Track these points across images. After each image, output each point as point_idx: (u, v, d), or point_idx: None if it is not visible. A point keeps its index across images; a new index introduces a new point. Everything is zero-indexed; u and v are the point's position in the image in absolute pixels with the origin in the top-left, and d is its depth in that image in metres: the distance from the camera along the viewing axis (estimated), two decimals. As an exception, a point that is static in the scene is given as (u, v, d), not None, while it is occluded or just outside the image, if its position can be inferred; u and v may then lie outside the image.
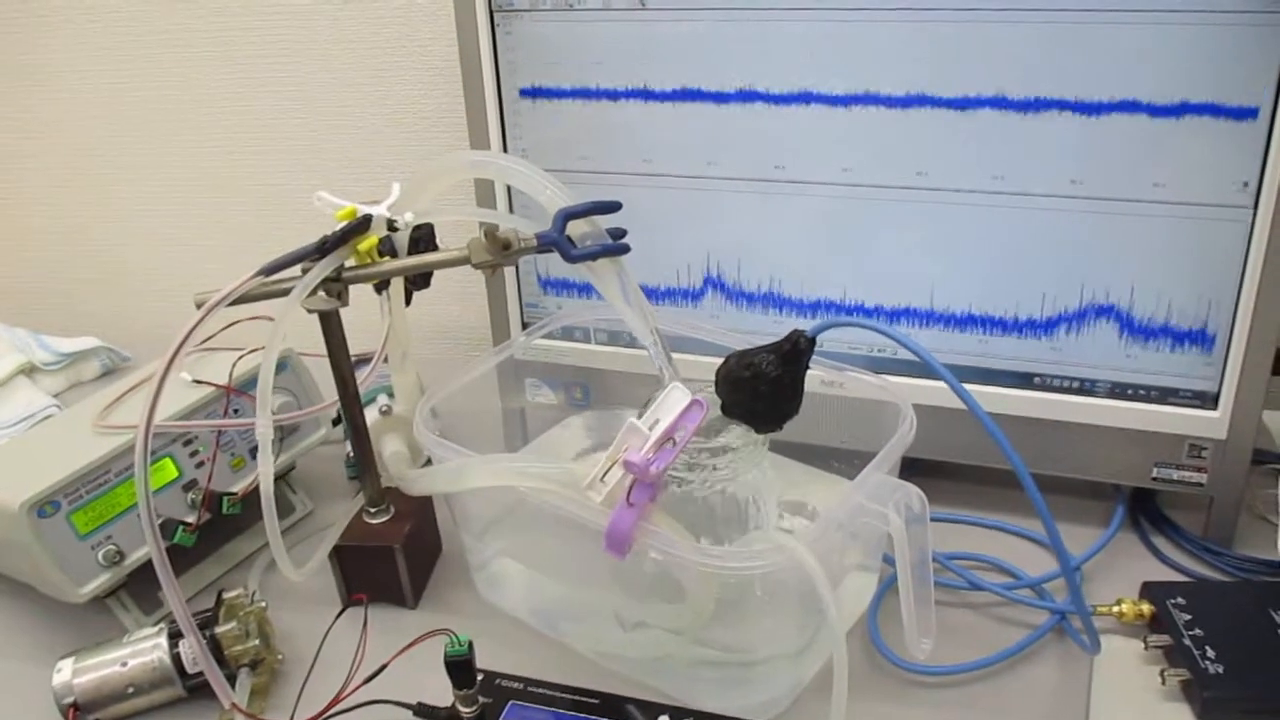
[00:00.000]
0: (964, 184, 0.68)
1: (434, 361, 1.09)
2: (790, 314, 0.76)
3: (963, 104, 0.66)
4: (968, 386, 0.72)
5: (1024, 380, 0.72)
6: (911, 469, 0.65)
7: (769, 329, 0.77)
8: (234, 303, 0.60)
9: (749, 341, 0.68)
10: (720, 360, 0.74)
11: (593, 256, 0.62)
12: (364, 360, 0.90)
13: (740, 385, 0.59)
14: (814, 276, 0.74)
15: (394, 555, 0.70)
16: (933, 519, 0.56)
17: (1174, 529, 0.74)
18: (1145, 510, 0.76)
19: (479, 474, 0.61)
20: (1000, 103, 0.65)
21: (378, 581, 0.71)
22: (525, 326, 0.85)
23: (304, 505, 0.84)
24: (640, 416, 0.64)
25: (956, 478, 0.79)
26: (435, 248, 0.70)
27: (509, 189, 0.79)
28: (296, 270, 0.61)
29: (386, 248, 0.66)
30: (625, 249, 0.63)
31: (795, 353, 0.57)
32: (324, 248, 0.60)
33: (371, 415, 0.82)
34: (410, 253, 0.68)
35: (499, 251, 0.61)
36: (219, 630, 0.63)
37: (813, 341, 0.57)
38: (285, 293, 0.61)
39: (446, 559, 0.77)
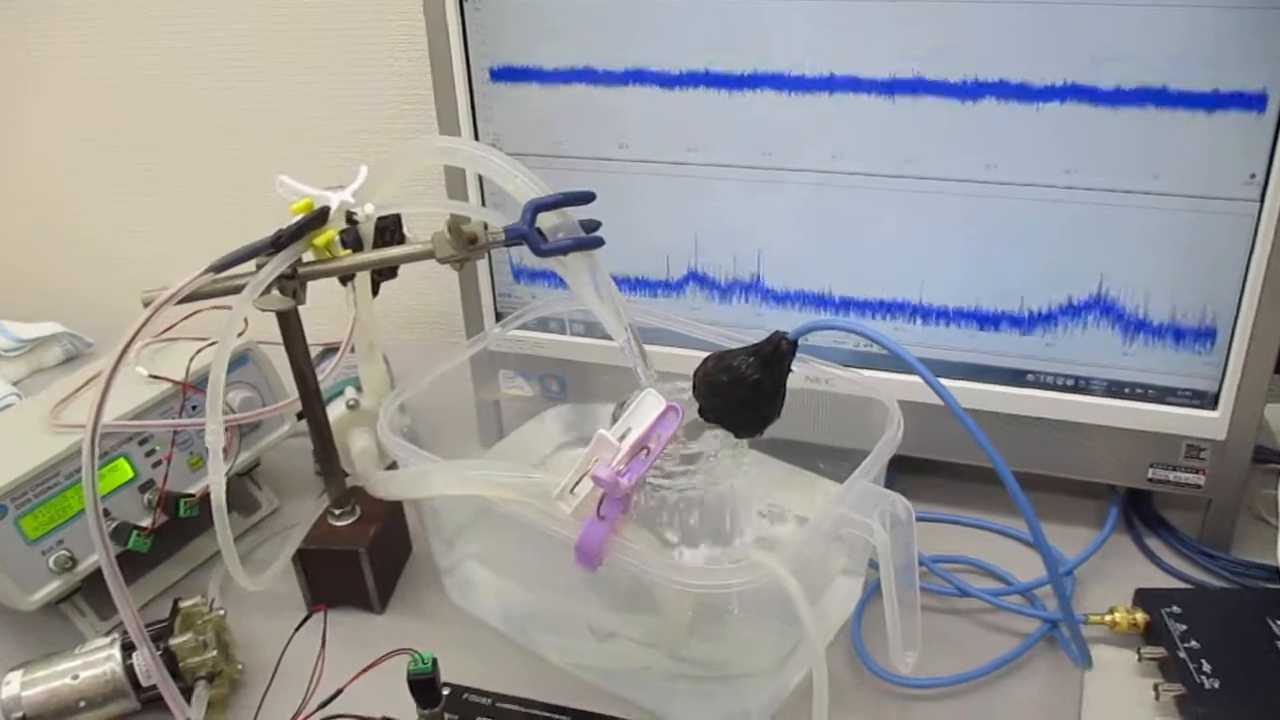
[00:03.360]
0: (955, 172, 0.65)
1: (406, 348, 1.06)
2: (774, 307, 0.73)
3: (956, 90, 0.62)
4: (958, 383, 0.70)
5: (1016, 377, 0.69)
6: (898, 465, 0.62)
7: (751, 322, 0.74)
8: (186, 300, 0.57)
9: (730, 337, 0.66)
10: (700, 355, 0.71)
11: (564, 251, 0.59)
12: (331, 350, 0.87)
13: (718, 389, 0.56)
14: (800, 269, 0.71)
15: (359, 560, 0.67)
16: (919, 519, 0.54)
17: (1169, 531, 0.71)
18: (1139, 511, 0.73)
19: (444, 481, 0.58)
20: (995, 89, 0.62)
21: (343, 586, 0.69)
22: (499, 317, 0.82)
23: (270, 502, 0.81)
24: (612, 423, 0.61)
25: (943, 474, 0.76)
26: (401, 239, 0.67)
27: (480, 177, 0.76)
28: (251, 265, 0.58)
29: (350, 239, 0.62)
30: (598, 242, 0.60)
31: (776, 356, 0.54)
32: (279, 242, 0.57)
33: (338, 409, 0.79)
34: (376, 244, 0.65)
35: (464, 246, 0.58)
36: (174, 642, 0.60)
37: (795, 344, 0.54)
38: (239, 289, 0.57)
39: (416, 560, 0.75)
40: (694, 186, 0.71)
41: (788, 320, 0.73)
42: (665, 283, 0.75)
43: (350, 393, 0.79)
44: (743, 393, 0.55)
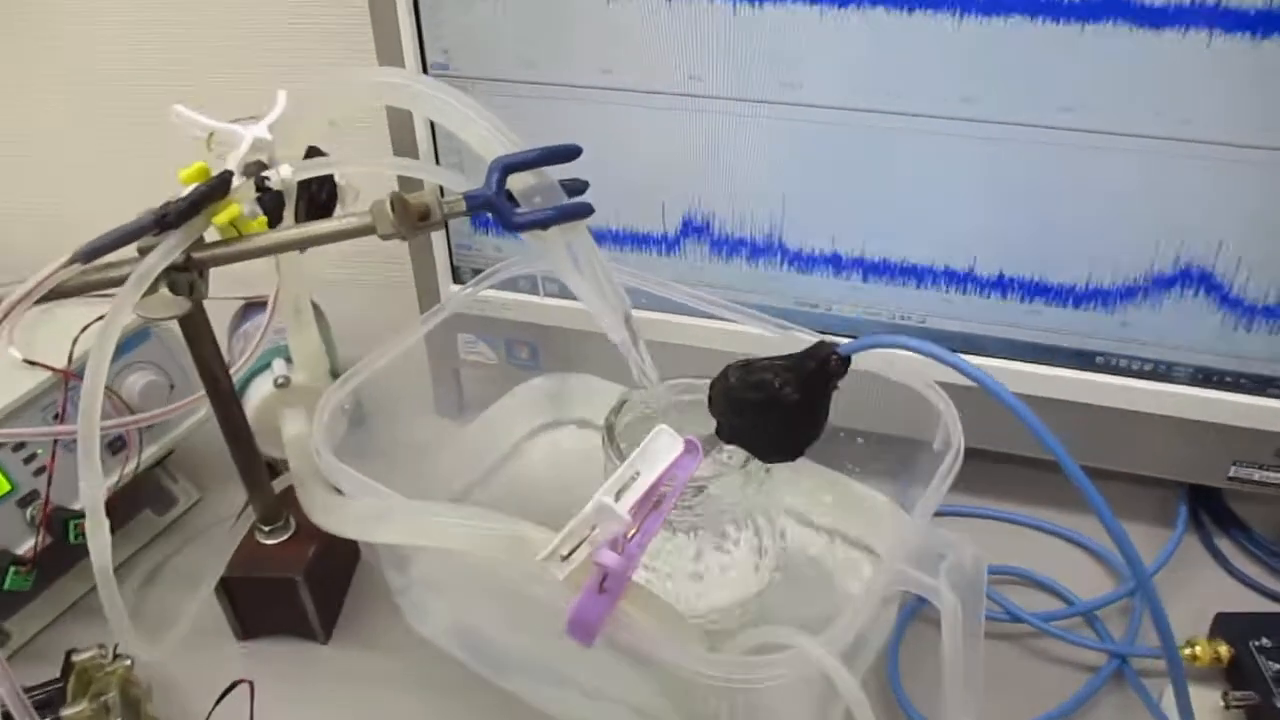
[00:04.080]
0: (1022, 115, 0.52)
1: (347, 292, 0.92)
2: (793, 270, 0.60)
3: (1026, 6, 0.49)
4: (1014, 365, 0.59)
5: (1084, 360, 0.58)
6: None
7: (764, 287, 0.61)
8: (49, 298, 0.43)
9: (738, 308, 0.54)
10: (698, 325, 0.59)
11: (544, 224, 0.46)
12: (255, 305, 0.73)
13: (745, 408, 0.44)
14: (824, 225, 0.58)
15: (296, 589, 0.56)
16: (953, 513, 0.43)
17: (1242, 531, 0.62)
18: (1208, 507, 0.63)
19: (403, 527, 0.46)
20: (1072, 10, 0.48)
21: (279, 616, 0.57)
22: (456, 272, 0.68)
23: (188, 495, 0.68)
24: (608, 446, 0.49)
25: (980, 457, 0.66)
26: (333, 197, 0.53)
27: (432, 124, 0.61)
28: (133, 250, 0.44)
29: (271, 205, 0.48)
30: (586, 211, 0.47)
31: (822, 374, 0.42)
32: (164, 220, 0.43)
33: (264, 388, 0.66)
34: (308, 210, 0.51)
35: (412, 222, 0.44)
36: (67, 715, 0.48)
37: (847, 361, 0.42)
38: (119, 282, 0.43)
39: (367, 574, 0.63)
40: (696, 124, 0.57)
41: (810, 287, 0.60)
42: (659, 237, 0.62)
43: (279, 366, 0.66)
44: (777, 415, 0.44)
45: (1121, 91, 0.49)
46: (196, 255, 0.44)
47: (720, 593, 0.51)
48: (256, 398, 0.66)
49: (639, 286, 0.57)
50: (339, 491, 0.50)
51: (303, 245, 0.47)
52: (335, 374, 0.68)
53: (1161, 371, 0.57)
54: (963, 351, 0.59)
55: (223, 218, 0.44)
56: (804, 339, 0.52)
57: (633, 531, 0.39)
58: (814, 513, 0.59)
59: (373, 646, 0.59)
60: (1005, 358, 0.59)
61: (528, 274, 0.64)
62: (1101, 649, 0.54)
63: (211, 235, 0.45)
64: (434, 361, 0.71)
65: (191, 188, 0.43)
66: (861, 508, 0.58)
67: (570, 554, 0.40)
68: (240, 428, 0.54)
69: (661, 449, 0.41)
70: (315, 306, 0.74)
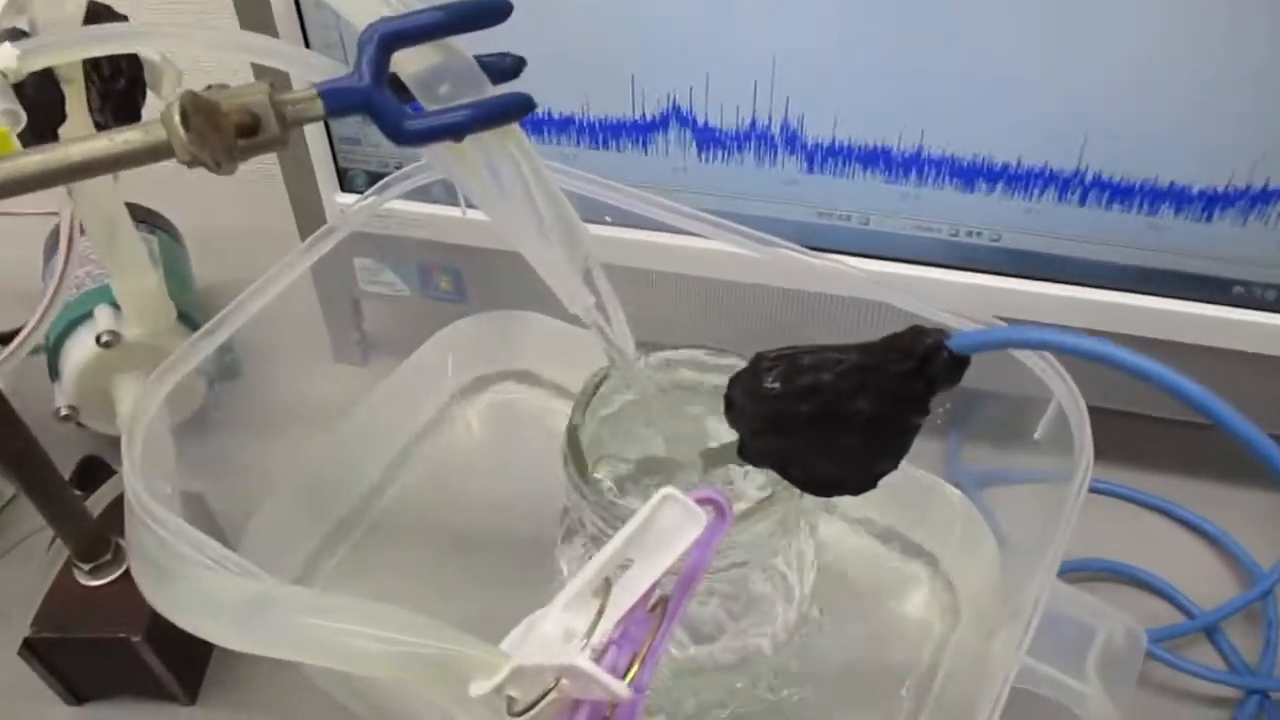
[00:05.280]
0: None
1: (204, 190, 0.73)
2: (816, 173, 0.43)
3: None
4: (1120, 298, 0.43)
5: (1219, 290, 0.42)
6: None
7: (774, 195, 0.44)
8: None
9: (744, 231, 0.37)
10: (685, 245, 0.42)
11: (456, 130, 0.28)
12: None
13: (788, 424, 0.28)
14: (856, 102, 0.41)
15: (134, 651, 0.40)
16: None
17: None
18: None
19: (287, 636, 0.29)
20: None
21: (122, 677, 0.41)
22: (342, 177, 0.50)
23: (-1, 491, 0.51)
24: (575, 518, 0.33)
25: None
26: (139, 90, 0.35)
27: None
28: None
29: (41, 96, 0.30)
30: (523, 106, 0.29)
31: (923, 380, 0.26)
32: None
33: (85, 347, 0.48)
34: (103, 105, 0.34)
35: (227, 141, 0.26)
36: None
37: (962, 364, 0.26)
38: None
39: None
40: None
41: (839, 193, 0.43)
42: (631, 125, 0.44)
43: (102, 316, 0.48)
44: (841, 436, 0.28)
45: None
46: None
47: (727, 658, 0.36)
48: (76, 360, 0.48)
49: (596, 195, 0.40)
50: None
51: (68, 177, 0.29)
52: (190, 321, 0.51)
53: (1326, 306, 0.41)
54: (1045, 278, 0.43)
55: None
56: (846, 272, 0.36)
57: (629, 673, 0.24)
58: (853, 504, 0.44)
59: (253, 705, 0.43)
60: (1103, 286, 0.43)
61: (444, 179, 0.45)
62: (1237, 684, 0.41)
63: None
64: (324, 294, 0.54)
65: None
66: (918, 500, 0.43)
67: (528, 711, 0.24)
68: (14, 437, 0.36)
69: (670, 527, 0.24)
70: (155, 227, 0.56)
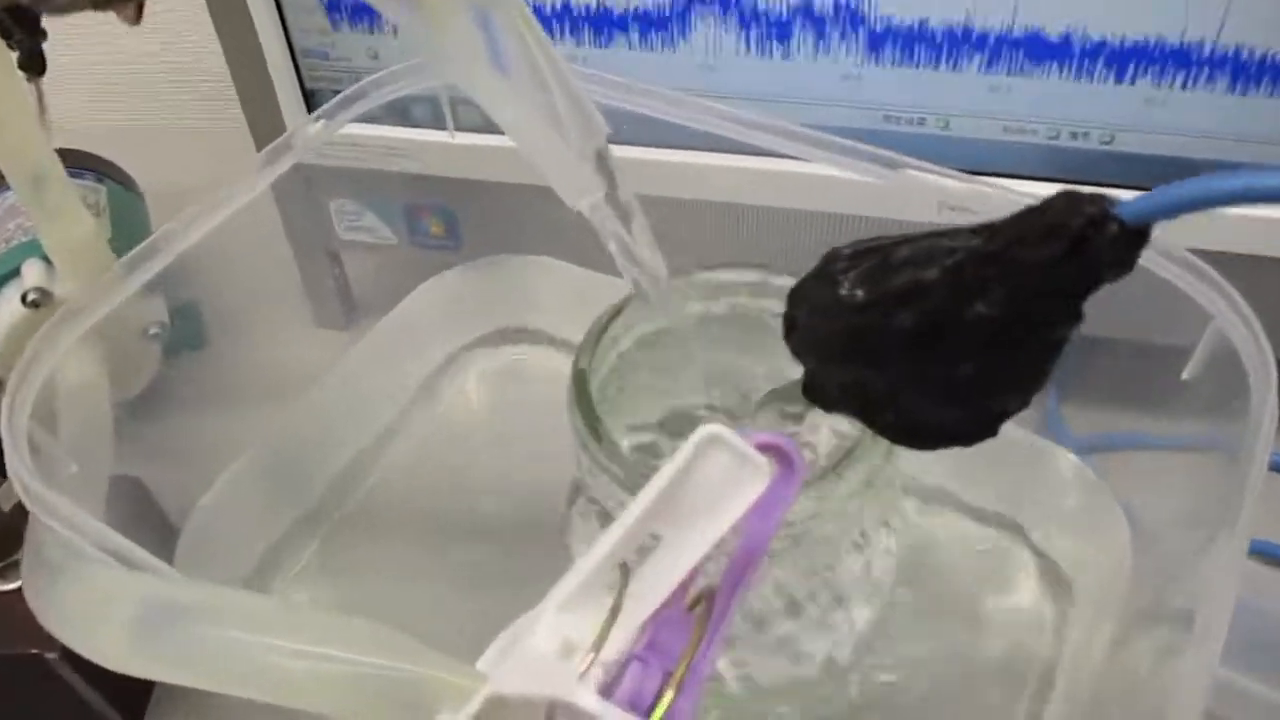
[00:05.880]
0: None
1: (150, 132, 0.66)
2: (878, 62, 0.35)
3: None
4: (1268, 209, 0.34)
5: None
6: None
7: (828, 96, 0.36)
8: None
9: (794, 133, 0.29)
10: (720, 163, 0.35)
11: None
12: None
13: (879, 347, 0.20)
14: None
15: (52, 670, 0.32)
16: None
17: None
18: None
19: (196, 651, 0.21)
20: None
21: (39, 704, 0.34)
22: (310, 99, 0.42)
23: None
24: (584, 494, 0.26)
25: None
26: None
27: None
28: None
29: None
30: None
31: (1079, 269, 0.18)
32: None
33: (10, 308, 0.41)
34: None
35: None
36: None
37: (1138, 239, 0.18)
38: None
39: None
40: None
41: (911, 90, 0.35)
42: (646, 14, 0.36)
43: (30, 273, 0.41)
44: (959, 363, 0.19)
45: None
46: None
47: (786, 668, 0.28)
48: (1, 323, 0.41)
49: (617, 103, 0.31)
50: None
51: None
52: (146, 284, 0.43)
53: None
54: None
55: None
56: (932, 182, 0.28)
57: (659, 705, 0.16)
58: (931, 473, 0.36)
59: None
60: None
61: (425, 93, 0.38)
62: None
63: None
64: (299, 245, 0.46)
65: None
66: (1017, 465, 0.34)
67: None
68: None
69: (715, 486, 0.16)
70: (104, 175, 0.48)
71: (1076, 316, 0.19)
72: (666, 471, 0.16)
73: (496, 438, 0.41)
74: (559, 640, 0.17)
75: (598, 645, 0.16)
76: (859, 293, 0.20)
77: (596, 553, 0.16)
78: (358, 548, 0.38)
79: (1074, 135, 0.35)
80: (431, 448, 0.40)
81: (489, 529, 0.38)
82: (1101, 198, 0.18)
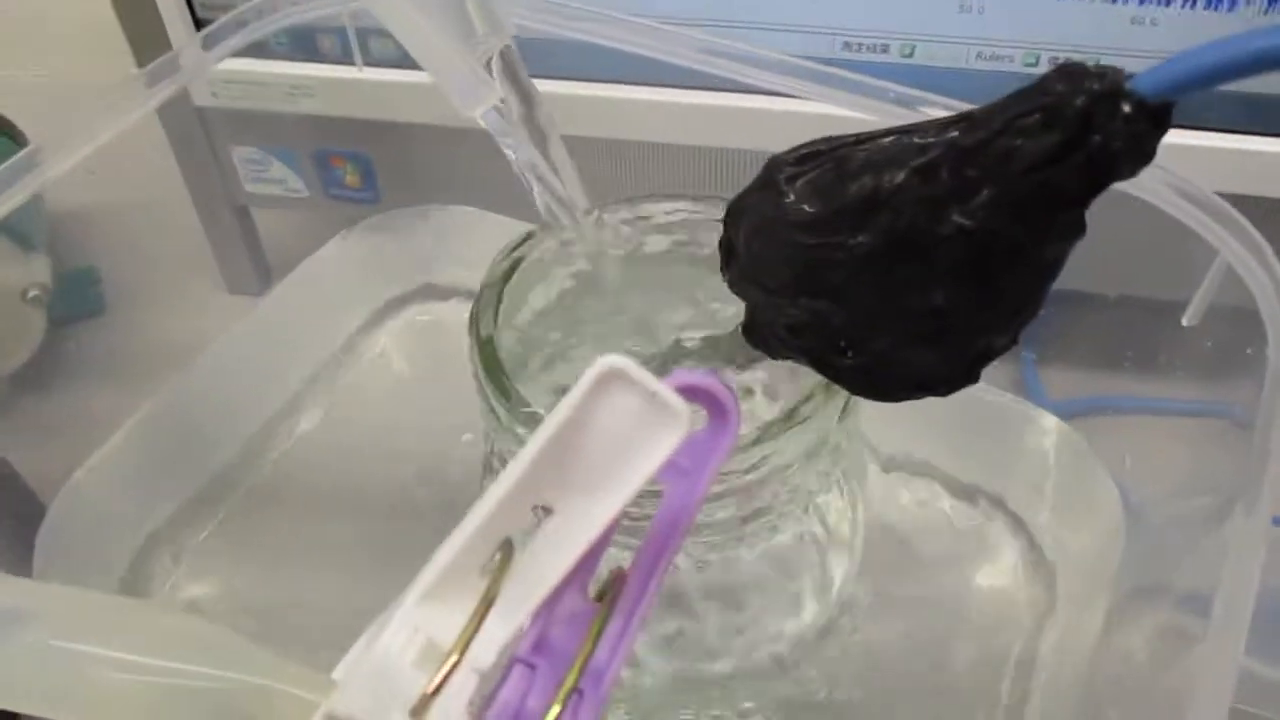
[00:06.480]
0: None
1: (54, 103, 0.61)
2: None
3: None
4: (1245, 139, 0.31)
5: None
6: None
7: (783, 20, 0.32)
8: None
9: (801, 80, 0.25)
10: (707, 103, 0.31)
11: None
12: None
13: (834, 273, 0.16)
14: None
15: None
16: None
17: None
18: None
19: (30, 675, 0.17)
20: None
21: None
22: (200, 26, 0.37)
23: None
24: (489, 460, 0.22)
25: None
26: None
27: None
28: None
29: None
30: None
31: (1083, 161, 0.14)
32: None
33: None
34: None
35: None
36: None
37: (1160, 119, 0.14)
38: None
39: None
40: None
41: (873, 11, 0.31)
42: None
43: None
44: (929, 289, 0.16)
45: None
46: None
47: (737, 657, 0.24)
48: None
49: (542, 27, 0.27)
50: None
51: None
52: (23, 239, 0.39)
53: None
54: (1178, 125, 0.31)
55: None
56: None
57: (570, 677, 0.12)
58: (896, 436, 0.32)
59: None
60: (1225, 129, 0.31)
61: (328, 20, 0.33)
62: None
63: None
64: (201, 200, 0.42)
65: None
66: (993, 430, 0.31)
67: None
68: None
69: (621, 437, 0.12)
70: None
71: (1078, 228, 0.15)
72: (554, 420, 0.12)
73: (419, 404, 0.37)
74: (421, 641, 0.13)
75: (462, 646, 0.12)
76: (808, 207, 0.16)
77: (466, 527, 0.12)
78: (262, 529, 0.34)
79: (1055, 61, 0.31)
80: (346, 416, 0.36)
81: (411, 502, 0.34)
82: (1111, 69, 0.14)
